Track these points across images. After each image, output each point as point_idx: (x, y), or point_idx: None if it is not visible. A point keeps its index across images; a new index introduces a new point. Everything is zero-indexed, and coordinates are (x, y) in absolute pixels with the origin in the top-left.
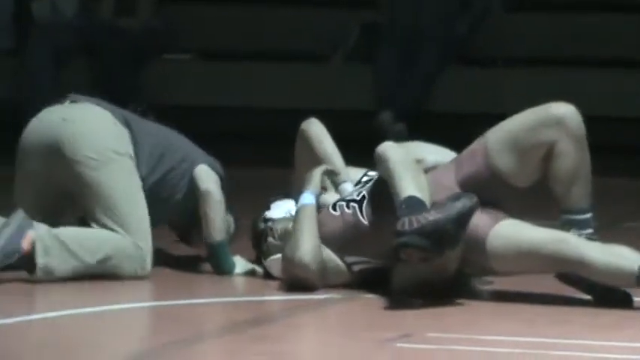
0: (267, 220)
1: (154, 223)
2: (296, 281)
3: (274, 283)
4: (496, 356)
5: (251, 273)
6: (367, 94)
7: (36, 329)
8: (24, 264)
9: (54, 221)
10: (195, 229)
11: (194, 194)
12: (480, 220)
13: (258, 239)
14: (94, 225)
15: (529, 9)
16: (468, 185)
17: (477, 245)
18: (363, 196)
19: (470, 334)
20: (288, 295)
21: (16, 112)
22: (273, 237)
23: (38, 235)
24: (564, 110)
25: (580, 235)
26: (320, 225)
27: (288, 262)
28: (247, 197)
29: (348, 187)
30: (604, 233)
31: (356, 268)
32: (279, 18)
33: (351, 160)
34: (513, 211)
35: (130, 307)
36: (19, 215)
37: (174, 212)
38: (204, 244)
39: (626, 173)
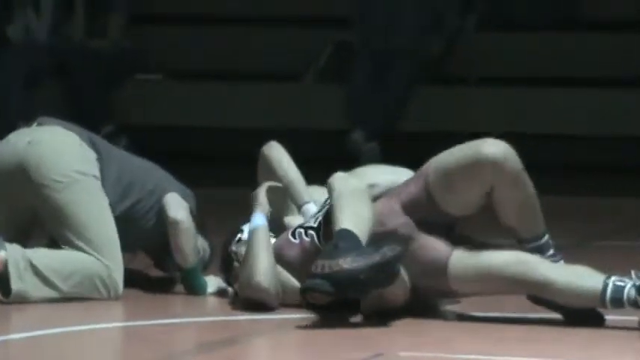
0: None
1: (124, 249)
2: (253, 303)
3: (246, 304)
4: None
5: (222, 292)
6: (339, 113)
7: (7, 349)
8: None
9: (24, 240)
10: (169, 256)
11: (164, 222)
12: (439, 245)
13: (226, 263)
14: (63, 246)
15: (502, 29)
16: (410, 208)
17: (438, 270)
18: (320, 223)
19: (443, 353)
20: (261, 315)
21: None
22: (238, 261)
23: (12, 259)
24: (495, 151)
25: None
26: (279, 251)
27: (246, 286)
28: (220, 218)
29: (311, 208)
30: (583, 252)
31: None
32: (250, 37)
33: (320, 179)
34: (470, 230)
35: (102, 327)
36: None
37: (144, 239)
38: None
39: (598, 192)
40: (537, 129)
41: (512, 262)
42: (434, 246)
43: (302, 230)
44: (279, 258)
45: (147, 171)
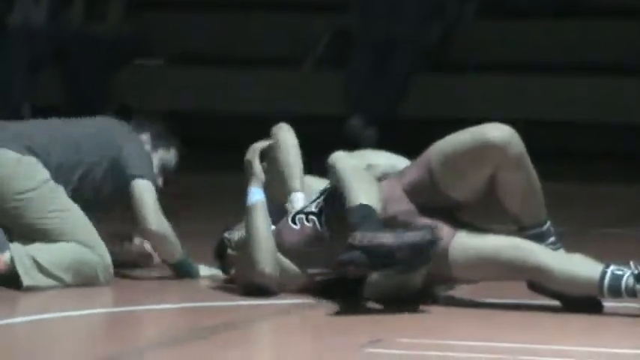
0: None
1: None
2: (253, 286)
3: (244, 289)
4: None
5: (214, 277)
6: (338, 99)
7: (7, 333)
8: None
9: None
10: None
11: (122, 189)
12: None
13: (219, 250)
14: None
15: (502, 16)
16: (412, 193)
17: (439, 257)
18: (321, 208)
19: (441, 340)
20: (256, 301)
21: None
22: (231, 247)
23: (18, 257)
24: (500, 134)
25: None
26: (279, 238)
27: (247, 271)
28: (219, 202)
29: (299, 198)
30: (584, 239)
31: (318, 278)
32: (250, 23)
33: (320, 166)
34: (470, 216)
35: (95, 312)
36: None
37: (103, 209)
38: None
39: (600, 179)
40: (538, 116)
41: (509, 247)
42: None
43: (303, 216)
44: (280, 245)
45: (86, 140)
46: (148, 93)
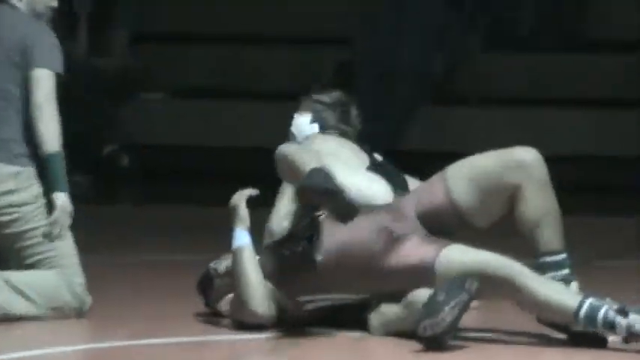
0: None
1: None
2: (247, 323)
3: (227, 322)
4: None
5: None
6: None
7: None
8: None
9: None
10: None
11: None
12: (424, 251)
13: (204, 282)
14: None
15: (505, 49)
16: (427, 217)
17: (427, 274)
18: (312, 234)
19: None
20: (246, 335)
21: None
22: (218, 277)
23: None
24: (528, 156)
25: (555, 277)
26: (264, 269)
27: (239, 312)
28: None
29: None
30: (590, 271)
31: (310, 306)
32: (252, 56)
33: None
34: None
35: (72, 349)
36: None
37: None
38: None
39: (601, 212)
40: (541, 149)
41: (496, 262)
42: (422, 253)
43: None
44: (269, 277)
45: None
46: (150, 126)
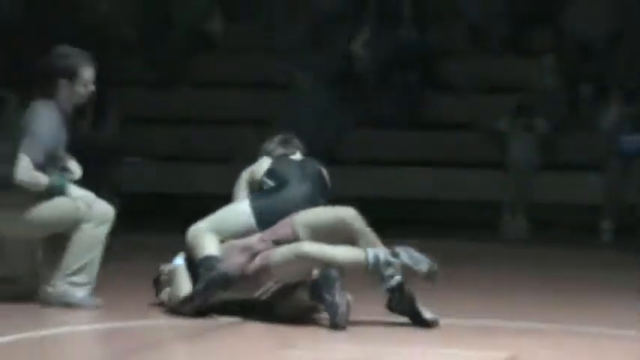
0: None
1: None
2: (178, 310)
3: (158, 309)
4: None
5: (86, 197)
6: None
7: None
8: None
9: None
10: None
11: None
12: (256, 259)
13: (156, 278)
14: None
15: (372, 127)
16: (276, 242)
17: (266, 271)
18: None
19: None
20: (177, 321)
21: None
22: (163, 274)
23: None
24: (347, 213)
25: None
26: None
27: (174, 306)
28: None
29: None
30: None
31: (264, 295)
32: (202, 133)
33: None
34: None
35: (13, 338)
36: None
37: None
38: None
39: None
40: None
41: (307, 244)
42: (256, 262)
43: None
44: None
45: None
46: (135, 181)
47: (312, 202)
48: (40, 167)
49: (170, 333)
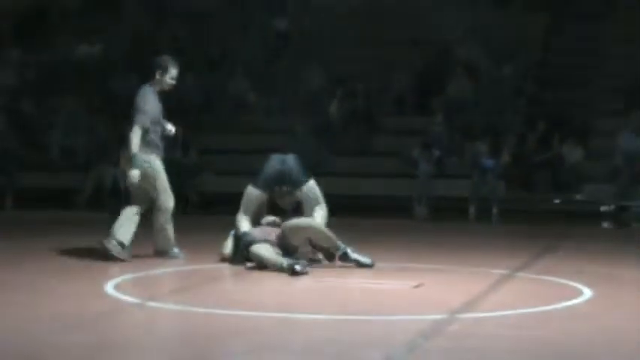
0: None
1: None
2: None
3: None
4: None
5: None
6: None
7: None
8: None
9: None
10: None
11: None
12: (272, 231)
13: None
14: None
15: (341, 154)
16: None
17: (279, 236)
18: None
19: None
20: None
21: None
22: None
23: None
24: (311, 222)
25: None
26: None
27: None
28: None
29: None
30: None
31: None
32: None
33: None
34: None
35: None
36: None
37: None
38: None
39: None
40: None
41: (305, 219)
42: (272, 232)
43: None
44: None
45: None
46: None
47: (290, 166)
48: (146, 130)
49: (225, 272)
